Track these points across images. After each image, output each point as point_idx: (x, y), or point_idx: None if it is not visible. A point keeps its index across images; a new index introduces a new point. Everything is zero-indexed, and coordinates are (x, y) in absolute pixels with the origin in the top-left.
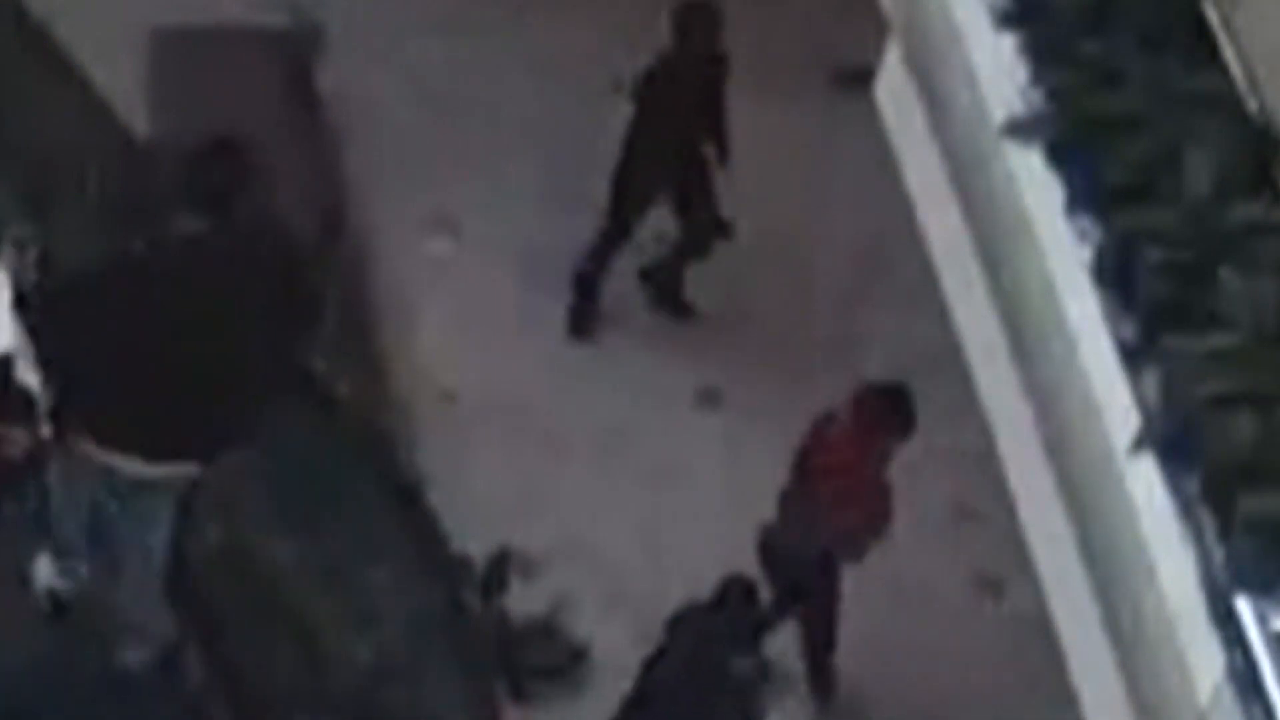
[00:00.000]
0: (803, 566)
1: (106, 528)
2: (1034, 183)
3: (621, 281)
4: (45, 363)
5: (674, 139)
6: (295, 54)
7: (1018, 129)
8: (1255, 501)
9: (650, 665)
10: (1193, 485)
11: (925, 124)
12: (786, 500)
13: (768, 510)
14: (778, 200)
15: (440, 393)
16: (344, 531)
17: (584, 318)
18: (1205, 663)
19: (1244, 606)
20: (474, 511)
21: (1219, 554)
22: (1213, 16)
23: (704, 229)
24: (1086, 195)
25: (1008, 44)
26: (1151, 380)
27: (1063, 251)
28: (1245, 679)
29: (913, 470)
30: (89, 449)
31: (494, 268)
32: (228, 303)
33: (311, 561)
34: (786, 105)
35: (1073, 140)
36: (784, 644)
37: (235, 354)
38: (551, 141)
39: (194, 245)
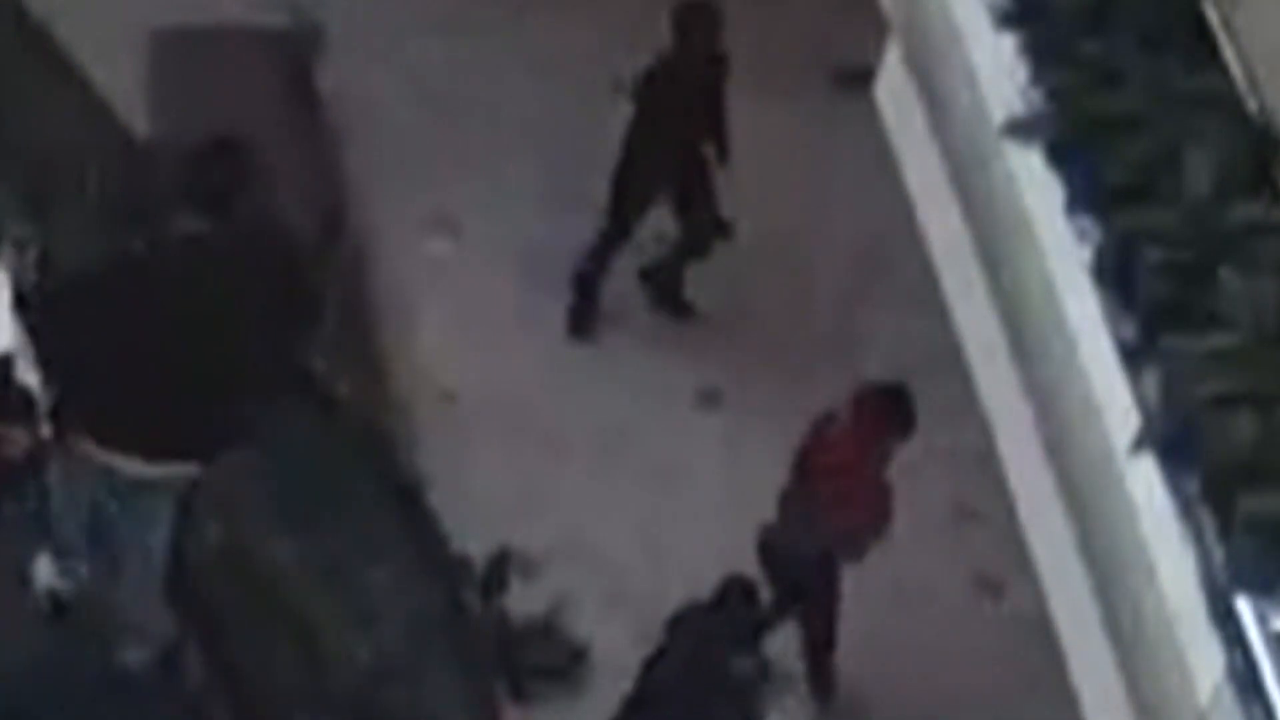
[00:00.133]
0: (802, 566)
1: (106, 527)
2: (1034, 183)
3: (621, 281)
4: (45, 363)
5: (674, 139)
6: (295, 54)
7: (1018, 129)
8: (1255, 501)
9: (650, 665)
10: (1193, 485)
11: (925, 124)
12: (786, 500)
13: (768, 510)
14: (778, 200)
15: (440, 393)
16: (344, 531)
17: (584, 318)
18: (1205, 663)
19: (1244, 606)
20: (474, 511)
21: (1219, 554)
22: (1213, 16)
23: (704, 229)
24: (1086, 195)
25: (1008, 44)
26: (1151, 380)
27: (1063, 251)
28: (1245, 679)
29: (913, 470)
30: (89, 449)
31: (494, 268)
32: (227, 303)
33: (311, 561)
34: (786, 105)
35: (1073, 140)
36: (784, 644)
37: (235, 354)
38: (551, 141)
39: (194, 245)
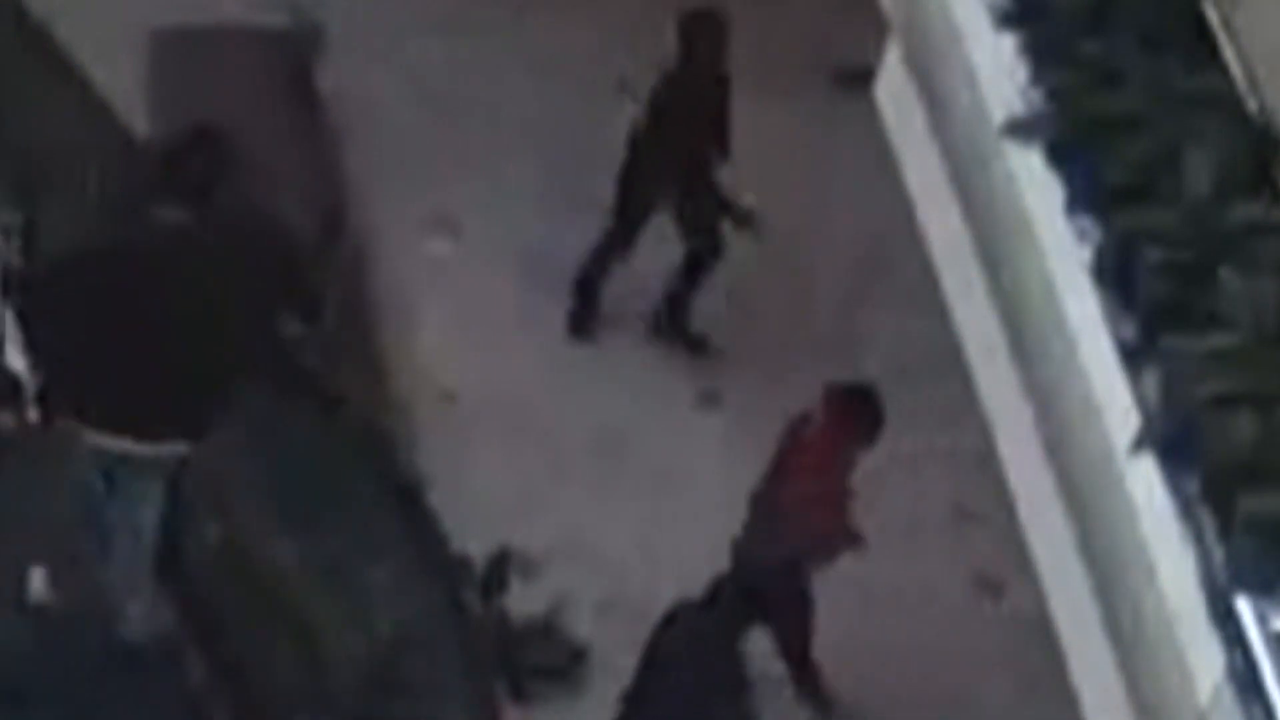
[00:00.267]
0: (769, 574)
1: (96, 508)
2: (1034, 183)
3: (621, 282)
4: (32, 346)
5: (680, 147)
6: (295, 54)
7: (1018, 129)
8: (1255, 501)
9: (643, 665)
10: (1193, 485)
11: (925, 124)
12: (755, 504)
13: None
14: (778, 200)
15: (440, 393)
16: (344, 531)
17: (584, 319)
18: (1205, 663)
19: (1244, 606)
20: (474, 511)
21: (1219, 554)
22: (1213, 16)
23: (705, 238)
24: (1086, 195)
25: (1008, 44)
26: (1151, 380)
27: (1063, 251)
28: (1245, 679)
29: (913, 470)
30: (76, 430)
31: (494, 268)
32: (209, 288)
33: (311, 561)
34: (786, 105)
35: (1073, 140)
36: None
37: (218, 337)
38: (551, 141)
39: (175, 232)
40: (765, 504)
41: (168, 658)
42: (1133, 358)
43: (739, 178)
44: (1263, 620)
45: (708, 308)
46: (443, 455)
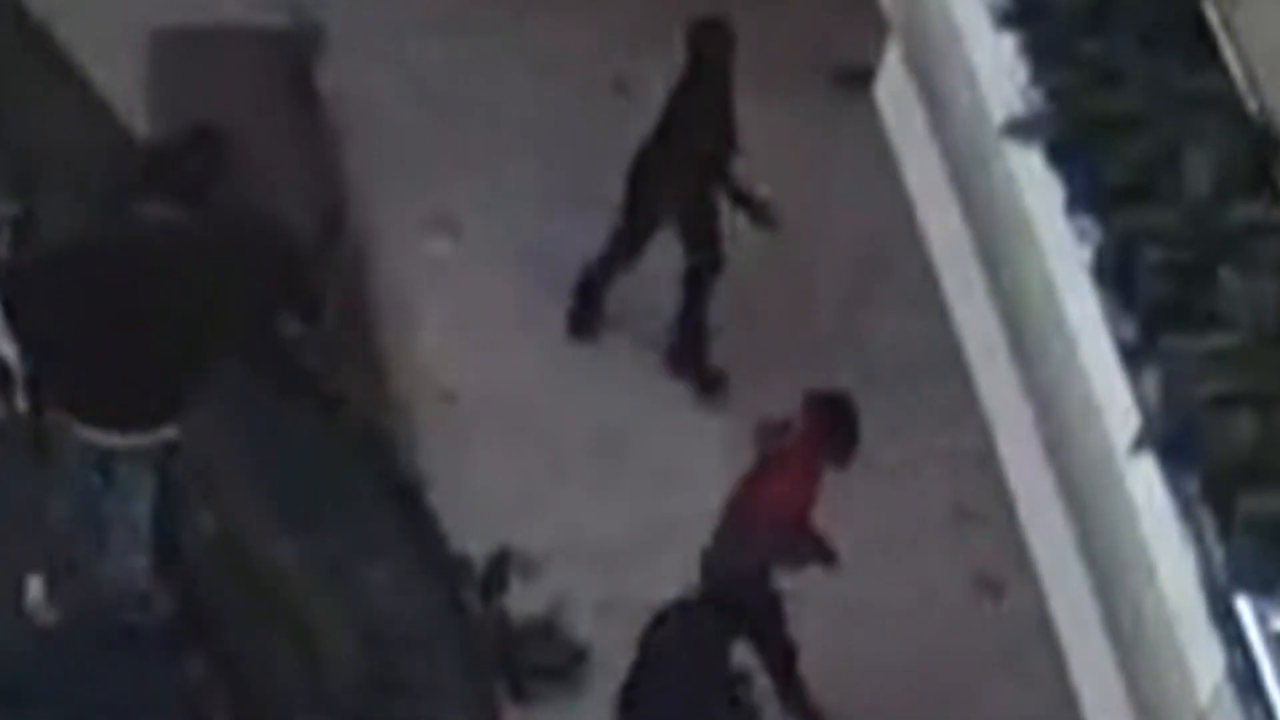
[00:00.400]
0: (736, 582)
1: (92, 502)
2: (1034, 183)
3: (622, 281)
4: (20, 337)
5: (690, 158)
6: (295, 54)
7: (1018, 129)
8: (1255, 501)
9: (637, 666)
10: (1193, 485)
11: (925, 124)
12: (729, 510)
13: None
14: (778, 200)
15: (440, 393)
16: (344, 531)
17: (585, 320)
18: (1205, 663)
19: (1244, 606)
20: (474, 511)
21: (1219, 554)
22: (1213, 16)
23: (706, 257)
24: (1086, 195)
25: (1008, 44)
26: (1151, 380)
27: (1063, 251)
28: (1245, 679)
29: (913, 470)
30: (65, 422)
31: (494, 268)
32: (199, 283)
33: (311, 561)
34: (786, 105)
35: (1073, 140)
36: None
37: (207, 331)
38: (551, 141)
39: (165, 227)
40: (739, 511)
41: (166, 652)
42: (1133, 358)
43: (739, 178)
44: (1263, 620)
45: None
46: (443, 455)
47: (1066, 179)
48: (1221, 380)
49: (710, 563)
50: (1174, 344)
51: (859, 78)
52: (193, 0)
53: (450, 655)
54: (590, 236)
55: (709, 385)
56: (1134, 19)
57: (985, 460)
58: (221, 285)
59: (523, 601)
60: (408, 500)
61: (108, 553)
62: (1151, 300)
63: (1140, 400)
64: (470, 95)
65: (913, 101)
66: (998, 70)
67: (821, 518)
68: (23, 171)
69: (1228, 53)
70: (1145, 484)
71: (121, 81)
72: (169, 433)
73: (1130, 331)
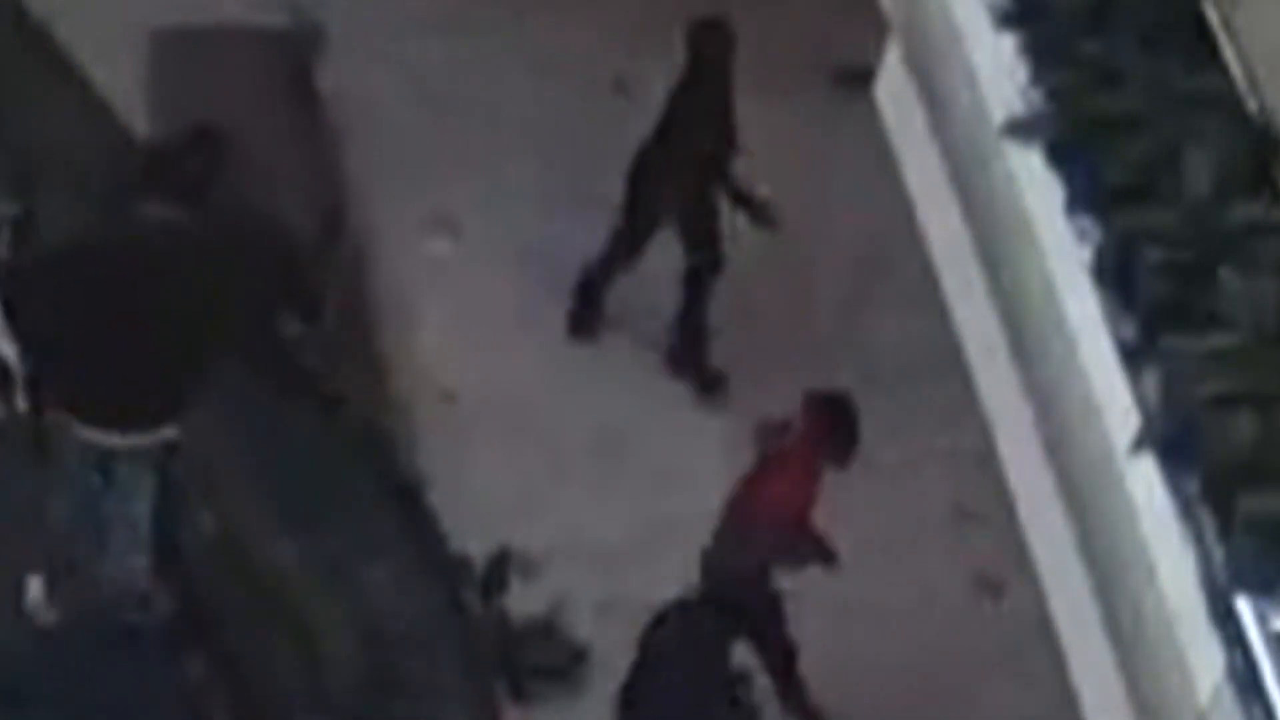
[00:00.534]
0: (736, 582)
1: (93, 502)
2: (1034, 183)
3: (623, 281)
4: (21, 336)
5: (691, 158)
6: (295, 54)
7: (1018, 129)
8: (1255, 501)
9: (637, 666)
10: (1193, 485)
11: (925, 124)
12: (729, 510)
13: None
14: (778, 201)
15: (440, 393)
16: (344, 531)
17: (585, 320)
18: (1205, 663)
19: (1244, 606)
20: (474, 511)
21: (1219, 554)
22: (1213, 16)
23: (706, 257)
24: (1086, 195)
25: (1008, 44)
26: (1151, 380)
27: (1063, 251)
28: (1245, 679)
29: (913, 470)
30: (65, 422)
31: (494, 268)
32: (198, 283)
33: (311, 561)
34: (786, 105)
35: (1073, 140)
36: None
37: (206, 331)
38: (551, 141)
39: (164, 227)
40: (739, 511)
41: (166, 652)
42: (1133, 358)
43: (739, 178)
44: (1263, 620)
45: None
46: (443, 455)
47: (1066, 179)
48: (1221, 380)
49: (710, 563)
50: (1174, 344)
51: (859, 78)
52: (193, 0)
53: (450, 655)
54: (590, 236)
55: (709, 385)
56: (1134, 19)
57: (985, 460)
58: (221, 285)
59: (523, 601)
60: (408, 500)
61: (107, 552)
62: (1151, 300)
63: (1140, 400)
64: (470, 95)
65: (913, 101)
66: (998, 70)
67: (822, 518)
68: (23, 171)
69: (1228, 53)
70: (1145, 484)
71: (121, 81)
72: (169, 433)
73: (1130, 331)
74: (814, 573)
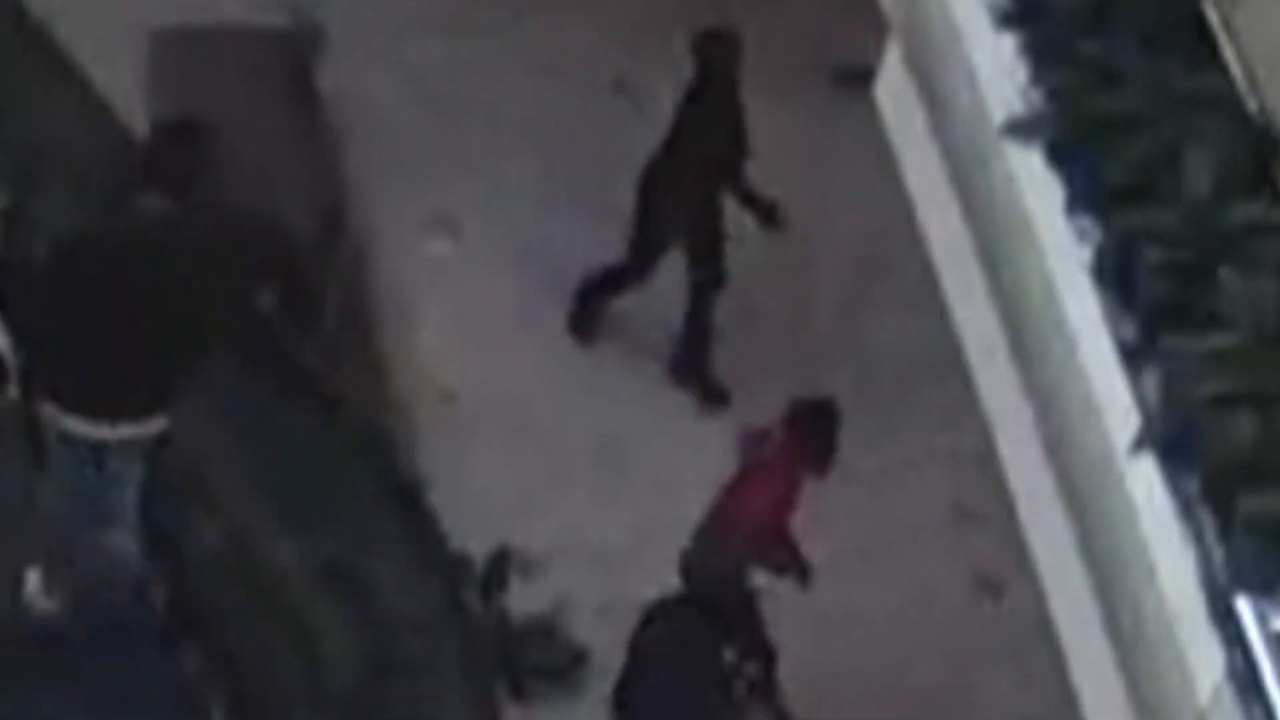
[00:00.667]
0: (714, 585)
1: (84, 493)
2: (1034, 183)
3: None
4: (13, 327)
5: (700, 167)
6: (295, 54)
7: (1018, 129)
8: (1255, 501)
9: (628, 666)
10: (1193, 485)
11: (925, 124)
12: (711, 515)
13: None
14: (778, 200)
15: (440, 393)
16: (344, 531)
17: (584, 322)
18: (1205, 663)
19: (1244, 606)
20: (474, 511)
21: (1219, 554)
22: (1213, 16)
23: (709, 273)
24: (1086, 195)
25: (1008, 44)
26: (1151, 380)
27: (1063, 251)
28: (1245, 679)
29: (913, 470)
30: (56, 413)
31: (494, 268)
32: (187, 276)
33: (311, 561)
34: (786, 105)
35: (1073, 140)
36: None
37: (195, 324)
38: (551, 141)
39: (154, 220)
40: (719, 517)
41: (162, 643)
42: (1133, 358)
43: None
44: (1263, 620)
45: None
46: (443, 455)
47: (1066, 179)
48: (1221, 380)
49: (688, 564)
50: (1174, 344)
51: (859, 78)
52: (193, 0)
53: (450, 655)
54: (590, 237)
55: (710, 397)
56: (1134, 19)
57: (985, 460)
58: (210, 276)
59: (523, 601)
60: (408, 500)
61: (98, 541)
62: (1151, 300)
63: (1140, 400)
64: (470, 95)
65: (913, 101)
66: (998, 70)
67: (821, 518)
68: (19, 167)
69: (1228, 53)
70: (1145, 484)
71: (121, 81)
72: (159, 424)
73: (1130, 331)
74: (814, 573)
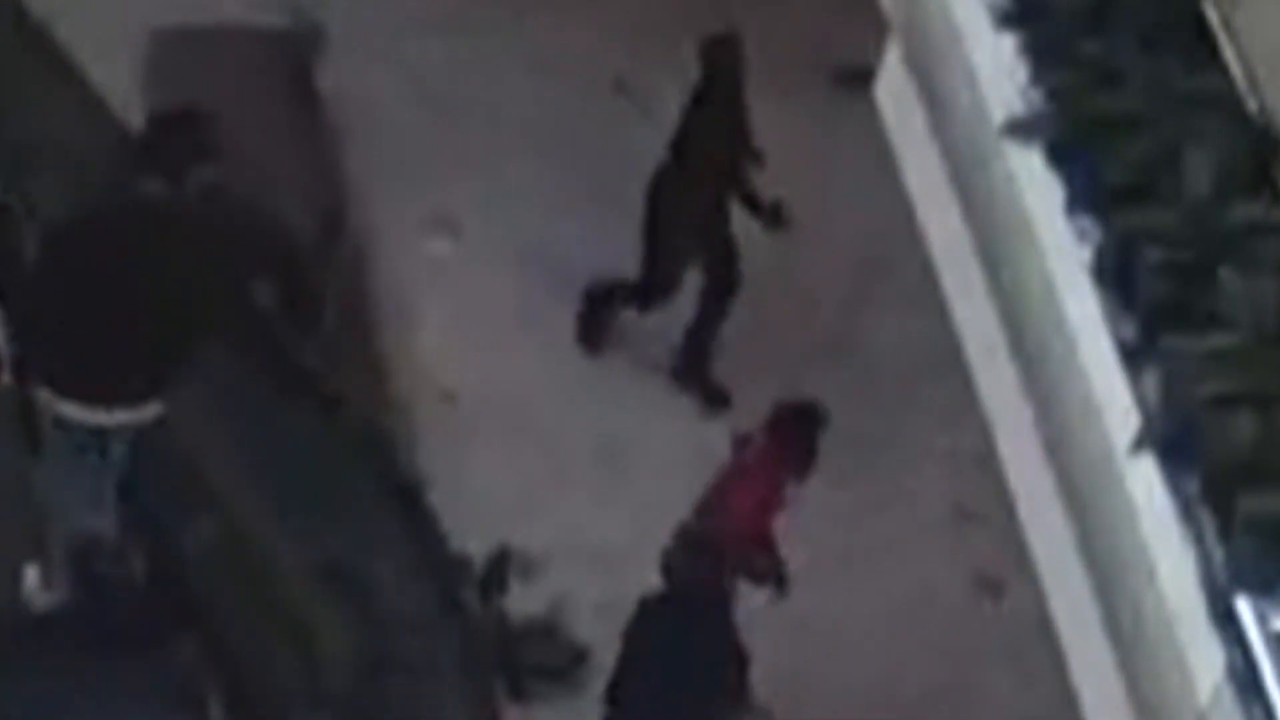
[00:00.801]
0: (693, 585)
1: (91, 479)
2: (1034, 183)
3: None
4: (10, 312)
5: (708, 173)
6: (295, 54)
7: (1018, 129)
8: (1255, 501)
9: (623, 664)
10: (1193, 485)
11: (925, 124)
12: (696, 515)
13: None
14: (781, 201)
15: (440, 393)
16: (344, 531)
17: (594, 332)
18: (1205, 663)
19: (1244, 606)
20: (474, 511)
21: (1219, 554)
22: (1213, 16)
23: (718, 284)
24: (1086, 195)
25: (1008, 44)
26: (1151, 380)
27: (1063, 251)
28: (1245, 679)
29: (913, 470)
30: (51, 399)
31: (494, 268)
32: (178, 259)
33: (311, 561)
34: (786, 105)
35: (1073, 140)
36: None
37: (189, 311)
38: (551, 141)
39: (149, 207)
40: (702, 518)
41: (156, 632)
42: (1133, 358)
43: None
44: (1263, 620)
45: None
46: (443, 455)
47: (1066, 179)
48: (1221, 380)
49: (669, 563)
50: (1174, 344)
51: (859, 78)
52: (193, 0)
53: (449, 655)
54: (591, 236)
55: (712, 401)
56: (1134, 19)
57: (985, 460)
58: (206, 260)
59: (523, 601)
60: (408, 500)
61: (79, 512)
62: (1151, 300)
63: (1140, 400)
64: (470, 95)
65: (913, 101)
66: (998, 70)
67: (821, 518)
68: (15, 164)
69: (1228, 53)
70: (1145, 484)
71: (121, 81)
72: (155, 409)
73: (1130, 331)
74: (814, 573)
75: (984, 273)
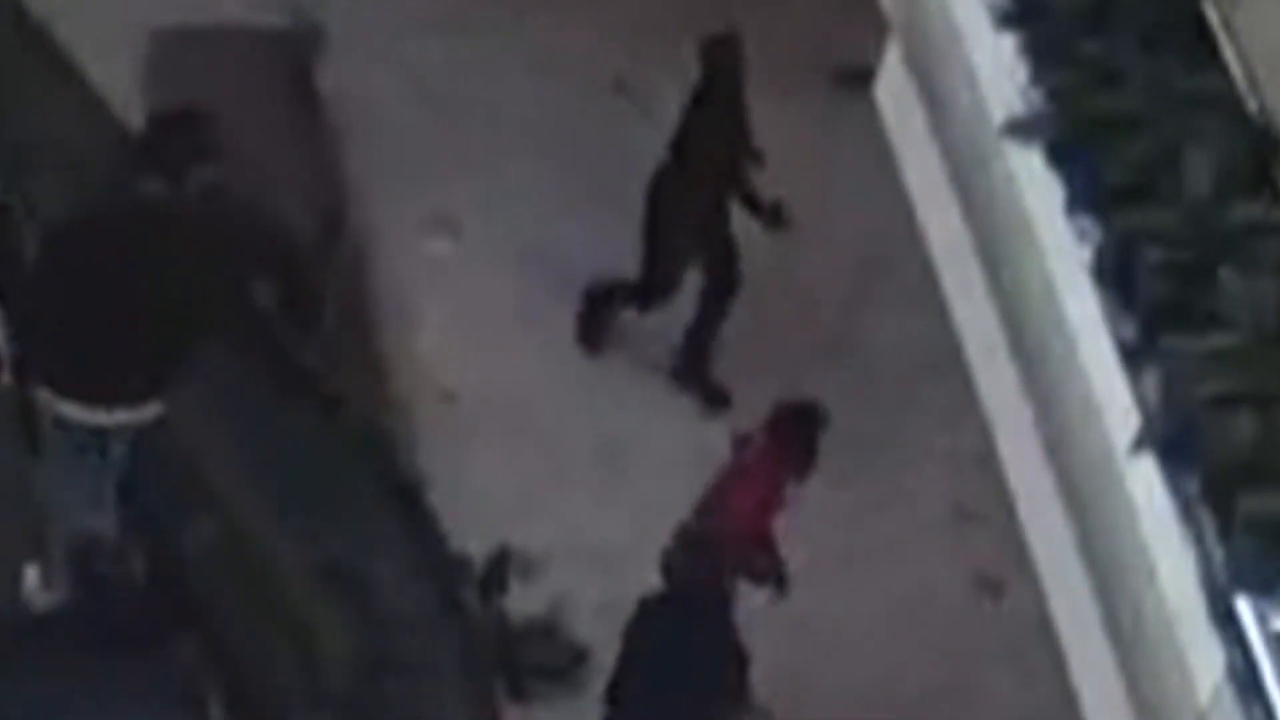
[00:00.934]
0: (692, 585)
1: (93, 479)
2: (1034, 183)
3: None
4: (10, 311)
5: (708, 174)
6: (295, 54)
7: (1018, 129)
8: (1255, 501)
9: (622, 660)
10: (1193, 485)
11: (925, 124)
12: (696, 515)
13: None
14: (781, 200)
15: (440, 393)
16: (344, 531)
17: (594, 332)
18: (1205, 663)
19: (1244, 606)
20: (474, 511)
21: (1219, 554)
22: (1213, 16)
23: (718, 284)
24: (1086, 195)
25: (1008, 44)
26: (1151, 380)
27: (1063, 251)
28: (1245, 679)
29: (913, 470)
30: (52, 399)
31: (494, 268)
32: (178, 258)
33: (311, 561)
34: (786, 105)
35: (1073, 140)
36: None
37: (188, 310)
38: (551, 141)
39: (148, 206)
40: (702, 518)
41: (156, 631)
42: (1133, 358)
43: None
44: (1263, 620)
45: None
46: (443, 455)
47: (1066, 179)
48: (1221, 380)
49: (669, 563)
50: (1174, 344)
51: (859, 78)
52: (193, 0)
53: (449, 655)
54: (591, 236)
55: (712, 401)
56: (1134, 19)
57: (985, 460)
58: (205, 259)
59: (523, 601)
60: (408, 500)
61: (79, 512)
62: (1151, 300)
63: (1140, 400)
64: (470, 95)
65: (913, 101)
66: (998, 70)
67: (821, 518)
68: (15, 164)
69: (1228, 53)
70: (1145, 484)
71: (121, 81)
72: (154, 409)
73: (1130, 331)
74: (814, 572)
75: (984, 273)
